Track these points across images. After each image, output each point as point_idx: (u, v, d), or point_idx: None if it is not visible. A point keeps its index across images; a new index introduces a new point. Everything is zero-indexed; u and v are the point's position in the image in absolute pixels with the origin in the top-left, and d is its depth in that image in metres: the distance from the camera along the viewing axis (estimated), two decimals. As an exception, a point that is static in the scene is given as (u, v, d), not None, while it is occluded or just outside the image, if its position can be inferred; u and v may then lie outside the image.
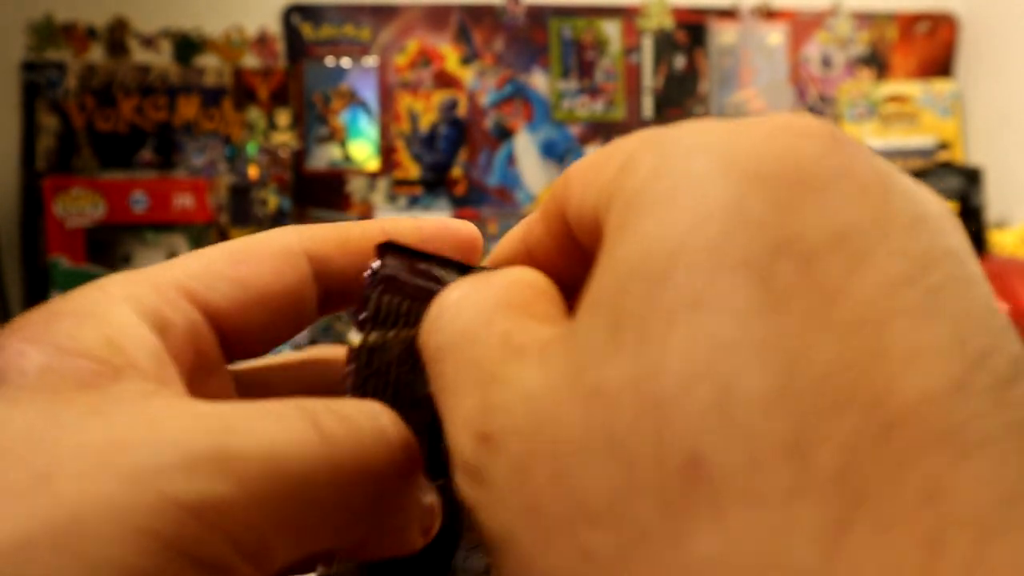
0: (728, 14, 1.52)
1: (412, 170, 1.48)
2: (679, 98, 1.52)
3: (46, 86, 1.39)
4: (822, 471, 0.10)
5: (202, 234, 1.32)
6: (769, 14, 1.52)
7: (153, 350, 0.16)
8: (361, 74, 1.47)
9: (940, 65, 1.54)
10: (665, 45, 1.52)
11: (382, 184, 1.47)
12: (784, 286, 0.11)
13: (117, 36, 1.42)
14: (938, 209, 0.13)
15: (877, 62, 1.54)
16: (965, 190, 1.27)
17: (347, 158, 1.47)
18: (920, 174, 1.31)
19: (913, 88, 1.51)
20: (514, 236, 0.18)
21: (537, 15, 1.50)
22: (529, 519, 0.12)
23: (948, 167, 1.31)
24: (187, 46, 1.43)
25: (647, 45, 1.51)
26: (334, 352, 0.22)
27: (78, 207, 1.24)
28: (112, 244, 1.28)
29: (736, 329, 0.11)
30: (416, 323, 0.17)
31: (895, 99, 1.51)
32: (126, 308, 0.16)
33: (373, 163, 1.47)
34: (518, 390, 0.13)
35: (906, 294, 0.11)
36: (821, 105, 1.53)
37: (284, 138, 1.45)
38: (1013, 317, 0.85)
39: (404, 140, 1.48)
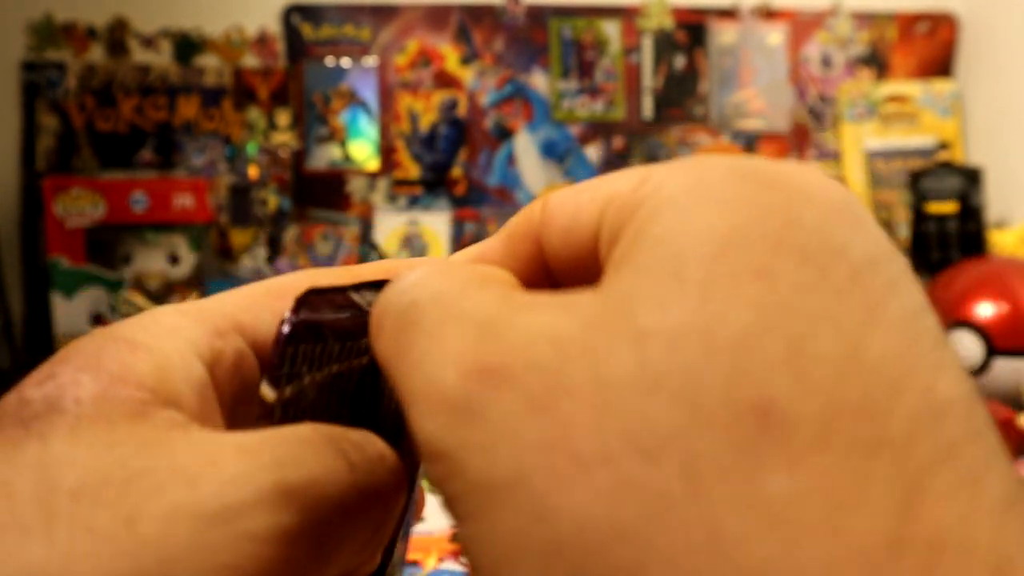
0: (728, 14, 1.52)
1: (412, 170, 1.48)
2: (679, 98, 1.52)
3: (46, 86, 1.39)
4: (894, 434, 0.11)
5: (202, 234, 1.32)
6: (769, 14, 1.53)
7: (199, 382, 0.16)
8: (361, 74, 1.47)
9: (940, 65, 1.54)
10: (665, 45, 1.52)
11: (382, 184, 1.47)
12: (841, 280, 0.13)
13: (117, 36, 1.42)
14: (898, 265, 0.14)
15: (877, 62, 1.54)
16: (965, 190, 1.27)
17: (347, 158, 1.47)
18: (920, 174, 1.31)
19: (913, 88, 1.51)
20: (465, 256, 0.18)
21: (537, 15, 1.50)
22: (548, 455, 0.12)
23: (948, 167, 1.31)
24: (187, 46, 1.43)
25: (647, 45, 1.51)
26: None
27: (78, 207, 1.24)
28: (112, 244, 1.28)
29: (803, 299, 0.12)
30: (340, 358, 0.17)
31: (895, 99, 1.51)
32: (178, 339, 0.16)
33: (373, 163, 1.47)
34: (538, 329, 0.13)
35: (924, 321, 0.13)
36: (821, 105, 1.53)
37: (284, 138, 1.45)
38: (1013, 317, 0.85)
39: (404, 140, 1.48)
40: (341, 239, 1.45)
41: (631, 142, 1.51)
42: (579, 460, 0.12)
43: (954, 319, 0.86)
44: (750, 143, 1.53)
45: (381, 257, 1.41)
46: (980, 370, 0.85)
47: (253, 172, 1.44)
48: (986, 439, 0.12)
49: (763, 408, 0.11)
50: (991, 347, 0.84)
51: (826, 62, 1.53)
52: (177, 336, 0.16)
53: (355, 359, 0.19)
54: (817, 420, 0.11)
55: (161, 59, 1.43)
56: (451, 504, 0.13)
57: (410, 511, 0.20)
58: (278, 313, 0.18)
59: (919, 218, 1.29)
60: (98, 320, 1.24)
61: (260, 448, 0.15)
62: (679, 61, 1.52)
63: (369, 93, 1.47)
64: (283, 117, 1.45)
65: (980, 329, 0.85)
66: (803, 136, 1.53)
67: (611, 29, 1.51)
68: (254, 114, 1.44)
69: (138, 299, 1.23)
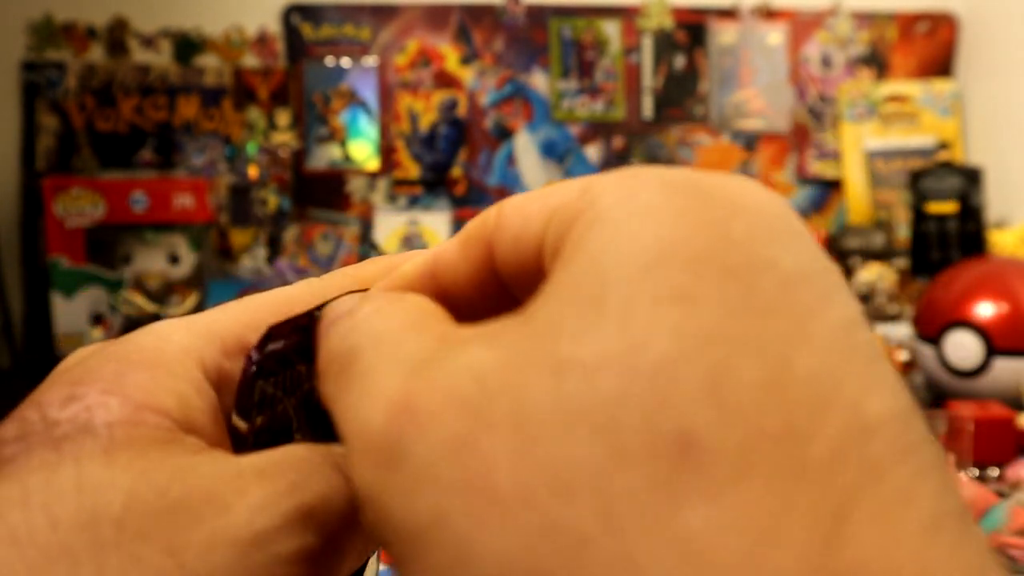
0: (728, 14, 1.52)
1: (412, 170, 1.48)
2: (679, 98, 1.52)
3: (46, 86, 1.39)
4: (817, 460, 0.11)
5: (202, 234, 1.32)
6: (769, 14, 1.53)
7: (211, 406, 0.17)
8: (361, 74, 1.47)
9: (940, 65, 1.54)
10: (665, 45, 1.52)
11: (382, 184, 1.47)
12: (768, 296, 0.12)
13: (117, 36, 1.42)
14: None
15: (877, 62, 1.54)
16: (965, 190, 1.27)
17: (347, 158, 1.47)
18: (920, 174, 1.31)
19: (913, 88, 1.51)
20: (422, 260, 0.18)
21: (537, 15, 1.50)
22: (468, 497, 0.11)
23: (948, 167, 1.31)
24: (187, 46, 1.43)
25: (647, 45, 1.51)
26: None
27: (78, 207, 1.24)
28: (112, 244, 1.28)
29: (725, 322, 0.12)
30: (309, 376, 0.17)
31: (895, 99, 1.51)
32: (190, 362, 0.17)
33: (373, 163, 1.47)
34: (461, 365, 0.13)
35: (857, 335, 0.13)
36: (821, 105, 1.53)
37: (284, 138, 1.45)
38: (1013, 317, 0.85)
39: (404, 140, 1.48)
40: (341, 239, 1.45)
41: (631, 142, 1.51)
42: (498, 500, 0.11)
43: (954, 319, 0.86)
44: (750, 143, 1.53)
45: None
46: (980, 370, 0.85)
47: (253, 172, 1.44)
48: (919, 455, 0.12)
49: (683, 441, 0.11)
50: (991, 347, 0.84)
51: (826, 62, 1.53)
52: (190, 358, 0.17)
53: None
54: (737, 450, 0.11)
55: (161, 59, 1.43)
56: (387, 551, 0.13)
57: None
58: None
59: (919, 218, 1.29)
60: (98, 320, 1.24)
61: (276, 473, 0.15)
62: (679, 61, 1.52)
63: (369, 93, 1.47)
64: (283, 117, 1.45)
65: (980, 329, 0.84)
66: (803, 136, 1.53)
67: (611, 29, 1.51)
68: (254, 114, 1.44)
69: (138, 299, 1.23)
